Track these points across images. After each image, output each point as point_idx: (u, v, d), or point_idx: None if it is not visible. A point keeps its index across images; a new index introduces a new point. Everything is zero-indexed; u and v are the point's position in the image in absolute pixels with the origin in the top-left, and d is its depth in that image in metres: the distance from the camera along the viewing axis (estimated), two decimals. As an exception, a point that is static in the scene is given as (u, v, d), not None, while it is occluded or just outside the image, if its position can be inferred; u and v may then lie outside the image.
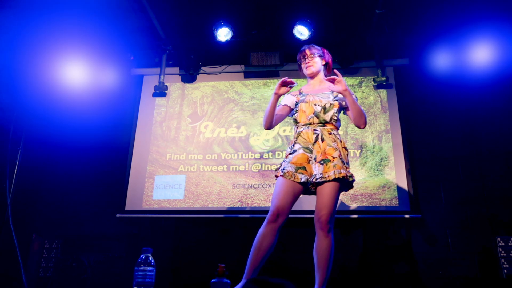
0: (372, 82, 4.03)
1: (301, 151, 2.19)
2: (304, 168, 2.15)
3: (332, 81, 2.23)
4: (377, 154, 3.80)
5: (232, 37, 3.92)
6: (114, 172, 4.01)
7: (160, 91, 4.23)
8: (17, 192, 3.28)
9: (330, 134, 2.20)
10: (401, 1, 3.58)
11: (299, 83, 4.28)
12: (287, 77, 2.28)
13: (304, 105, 2.31)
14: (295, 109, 2.37)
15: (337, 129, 2.29)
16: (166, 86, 4.24)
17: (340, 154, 2.15)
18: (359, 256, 3.66)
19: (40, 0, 3.24)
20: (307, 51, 2.42)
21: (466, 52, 3.74)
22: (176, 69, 4.32)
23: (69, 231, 3.80)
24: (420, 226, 3.60)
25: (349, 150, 3.77)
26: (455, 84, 3.81)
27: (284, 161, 2.24)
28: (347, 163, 2.18)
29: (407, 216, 3.54)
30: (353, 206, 3.62)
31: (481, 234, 3.50)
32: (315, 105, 2.27)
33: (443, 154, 3.80)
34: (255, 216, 3.65)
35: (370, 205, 3.61)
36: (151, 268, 1.71)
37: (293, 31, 3.81)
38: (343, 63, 4.01)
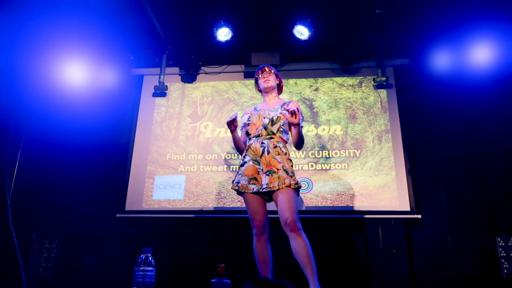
0: (372, 82, 4.03)
1: (250, 163, 2.37)
2: (256, 179, 2.33)
3: (290, 109, 2.33)
4: (377, 154, 3.80)
5: (232, 37, 3.92)
6: (114, 172, 4.01)
7: (160, 91, 4.23)
8: (17, 192, 3.27)
9: (275, 147, 2.36)
10: (401, 1, 3.58)
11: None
12: (229, 119, 2.41)
13: (254, 118, 2.49)
14: (247, 123, 2.53)
15: (284, 141, 2.44)
16: (166, 86, 4.25)
17: (283, 166, 2.30)
18: (359, 256, 3.67)
19: (40, 0, 3.24)
20: (266, 68, 2.61)
21: (466, 52, 3.74)
22: (176, 69, 4.32)
23: (69, 231, 3.80)
24: (420, 226, 3.60)
25: (349, 150, 3.81)
26: (455, 84, 3.81)
27: (237, 173, 2.43)
28: (292, 173, 2.33)
29: (407, 216, 3.54)
30: (353, 206, 3.62)
31: (481, 234, 3.51)
32: (264, 118, 2.45)
33: (443, 154, 3.81)
34: (255, 216, 3.64)
35: (370, 205, 3.61)
36: (151, 268, 1.71)
37: (293, 31, 3.81)
38: (343, 63, 4.02)
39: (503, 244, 3.34)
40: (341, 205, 3.63)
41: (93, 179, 3.98)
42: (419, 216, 3.52)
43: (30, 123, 3.60)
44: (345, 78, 4.13)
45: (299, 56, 4.15)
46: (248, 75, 4.25)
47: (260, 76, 2.61)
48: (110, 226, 3.78)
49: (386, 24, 3.83)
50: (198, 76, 4.31)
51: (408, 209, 3.55)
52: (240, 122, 2.61)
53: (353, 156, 3.81)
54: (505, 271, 3.26)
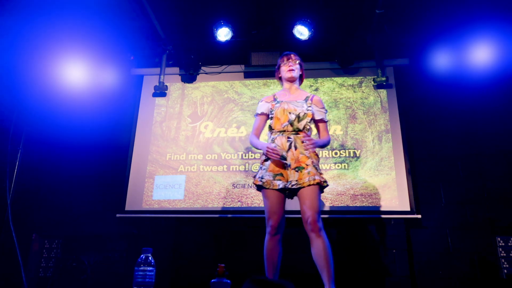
0: (372, 82, 4.03)
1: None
2: (281, 175, 2.25)
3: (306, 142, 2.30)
4: (377, 154, 3.80)
5: (232, 37, 3.92)
6: (114, 172, 4.01)
7: (160, 91, 4.23)
8: (17, 192, 3.27)
9: (302, 142, 2.28)
10: (401, 1, 3.58)
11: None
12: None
13: (279, 113, 2.37)
14: (270, 116, 2.43)
15: (309, 136, 2.37)
16: (166, 86, 4.25)
17: (312, 162, 2.25)
18: (359, 256, 3.66)
19: (40, 1, 3.24)
20: (293, 56, 2.51)
21: (466, 52, 3.74)
22: (176, 69, 4.32)
23: (69, 231, 3.79)
24: (420, 226, 3.60)
25: (349, 150, 3.81)
26: (455, 84, 3.81)
27: (261, 168, 2.33)
28: (319, 169, 2.28)
29: (407, 216, 3.54)
30: (353, 206, 3.62)
31: (481, 234, 3.50)
32: (289, 113, 2.35)
33: (443, 154, 3.80)
34: (255, 216, 3.65)
35: (370, 205, 3.61)
36: (151, 268, 1.71)
37: (293, 31, 3.81)
38: (343, 63, 4.02)
39: (503, 244, 3.34)
40: (341, 205, 3.63)
41: (93, 179, 3.97)
42: (419, 216, 3.52)
43: (30, 123, 3.60)
44: (345, 78, 4.13)
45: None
46: (248, 75, 4.25)
47: (284, 63, 2.48)
48: (110, 226, 3.78)
49: (386, 24, 3.83)
50: (198, 76, 4.31)
51: (408, 209, 3.55)
52: (258, 108, 2.52)
53: (353, 156, 3.81)
54: (505, 271, 3.26)
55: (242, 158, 3.92)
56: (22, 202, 3.54)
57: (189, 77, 4.29)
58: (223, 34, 3.87)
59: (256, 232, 3.79)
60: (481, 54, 3.68)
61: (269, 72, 4.20)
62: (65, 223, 3.83)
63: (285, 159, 2.26)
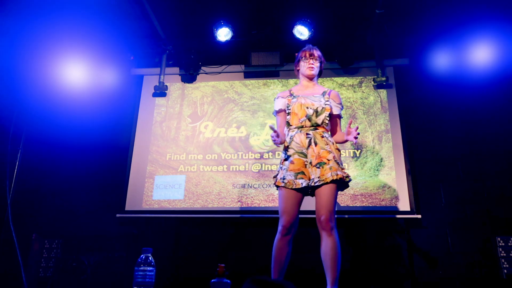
0: (372, 82, 4.03)
1: (296, 156, 2.22)
2: (303, 173, 2.18)
3: (350, 132, 2.26)
4: (377, 154, 3.80)
5: (232, 37, 3.92)
6: (114, 172, 4.01)
7: (160, 91, 4.23)
8: (17, 192, 3.28)
9: (322, 137, 2.24)
10: (401, 1, 3.58)
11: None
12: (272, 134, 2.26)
13: (296, 108, 2.32)
14: (287, 111, 2.37)
15: (328, 131, 2.32)
16: (166, 86, 4.24)
17: (334, 156, 2.19)
18: (359, 256, 3.66)
19: (40, 1, 3.24)
20: (315, 52, 2.44)
21: (466, 52, 3.74)
22: (176, 69, 4.32)
23: (69, 231, 3.79)
24: (420, 226, 3.60)
25: (349, 150, 3.81)
26: (455, 84, 3.81)
27: (281, 168, 2.27)
28: (341, 164, 2.23)
29: (407, 216, 3.54)
30: (353, 206, 3.62)
31: (481, 234, 3.50)
32: (307, 108, 2.30)
33: (443, 154, 3.80)
34: (255, 216, 3.65)
35: (370, 205, 3.61)
36: (151, 268, 1.71)
37: (293, 31, 3.81)
38: (343, 63, 4.02)
39: (503, 244, 3.33)
40: (341, 205, 3.63)
41: (93, 179, 3.97)
42: (419, 216, 3.52)
43: (30, 123, 3.61)
44: (345, 78, 4.13)
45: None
46: (248, 75, 4.25)
47: (305, 59, 2.42)
48: (110, 226, 3.78)
49: (386, 24, 3.83)
50: (198, 76, 4.31)
51: (408, 209, 3.55)
52: (276, 105, 2.46)
53: (353, 156, 3.81)
54: (505, 271, 3.25)
55: (242, 158, 3.92)
56: (22, 202, 3.54)
57: (189, 77, 4.29)
58: (223, 34, 3.87)
59: (256, 232, 3.81)
60: (481, 54, 3.68)
61: (269, 72, 4.21)
62: (65, 223, 3.83)
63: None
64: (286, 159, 2.25)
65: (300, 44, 3.94)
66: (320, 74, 2.53)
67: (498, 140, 3.74)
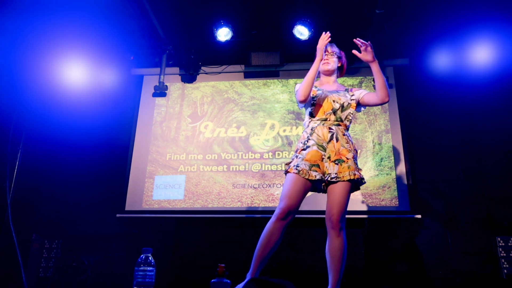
0: (372, 82, 4.03)
1: (314, 147, 2.16)
2: (318, 166, 2.13)
3: (360, 47, 2.20)
4: (377, 154, 3.80)
5: (232, 37, 3.91)
6: (114, 172, 4.01)
7: (160, 91, 4.23)
8: (17, 192, 3.27)
9: (344, 135, 2.21)
10: (401, 1, 3.58)
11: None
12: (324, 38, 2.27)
13: (322, 100, 2.26)
14: (311, 102, 2.30)
15: (348, 129, 2.29)
16: (166, 86, 4.25)
17: (353, 156, 2.17)
18: (359, 256, 3.66)
19: (40, 1, 3.24)
20: (329, 48, 2.41)
21: (466, 52, 3.74)
22: (176, 69, 4.32)
23: (69, 231, 3.80)
24: (420, 226, 3.60)
25: (349, 150, 3.81)
26: (455, 84, 3.81)
27: (296, 156, 2.20)
28: (357, 165, 2.20)
29: (407, 216, 3.54)
30: (353, 206, 3.62)
31: (481, 234, 3.50)
32: (333, 101, 2.26)
33: (443, 154, 3.80)
34: (255, 216, 3.65)
35: (370, 205, 3.61)
36: (151, 268, 1.71)
37: (293, 31, 3.81)
38: (343, 63, 4.01)
39: (503, 244, 3.33)
40: (341, 205, 3.63)
41: (93, 179, 3.98)
42: (419, 216, 3.52)
43: (30, 123, 3.61)
44: (345, 78, 4.13)
45: (299, 56, 4.14)
46: (248, 75, 4.25)
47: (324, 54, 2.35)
48: (110, 226, 3.78)
49: (386, 24, 3.82)
50: (198, 76, 4.31)
51: (408, 209, 3.55)
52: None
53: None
54: (505, 271, 3.25)
55: (242, 158, 3.92)
56: (22, 202, 3.54)
57: (189, 77, 4.29)
58: (223, 34, 3.87)
59: (256, 232, 3.79)
60: (481, 54, 3.69)
61: (269, 72, 4.21)
62: (65, 223, 3.83)
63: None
64: (304, 149, 2.19)
65: (300, 44, 3.98)
66: (341, 71, 2.47)
67: (498, 140, 3.74)
